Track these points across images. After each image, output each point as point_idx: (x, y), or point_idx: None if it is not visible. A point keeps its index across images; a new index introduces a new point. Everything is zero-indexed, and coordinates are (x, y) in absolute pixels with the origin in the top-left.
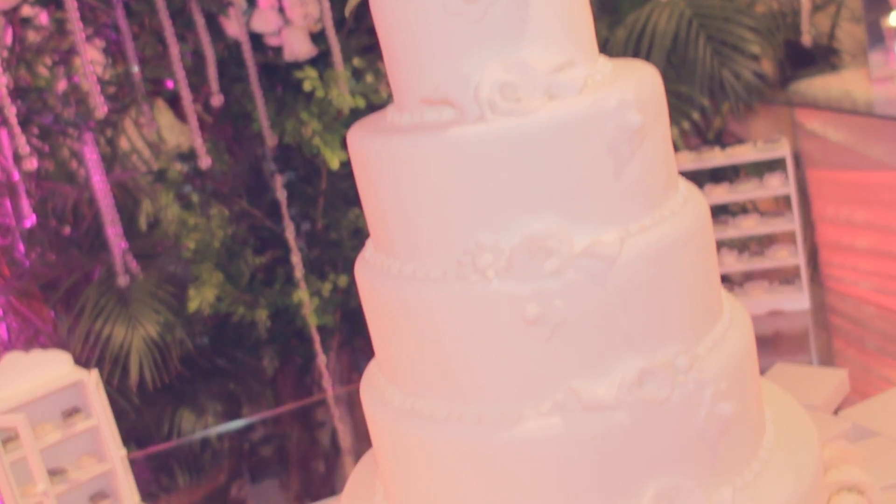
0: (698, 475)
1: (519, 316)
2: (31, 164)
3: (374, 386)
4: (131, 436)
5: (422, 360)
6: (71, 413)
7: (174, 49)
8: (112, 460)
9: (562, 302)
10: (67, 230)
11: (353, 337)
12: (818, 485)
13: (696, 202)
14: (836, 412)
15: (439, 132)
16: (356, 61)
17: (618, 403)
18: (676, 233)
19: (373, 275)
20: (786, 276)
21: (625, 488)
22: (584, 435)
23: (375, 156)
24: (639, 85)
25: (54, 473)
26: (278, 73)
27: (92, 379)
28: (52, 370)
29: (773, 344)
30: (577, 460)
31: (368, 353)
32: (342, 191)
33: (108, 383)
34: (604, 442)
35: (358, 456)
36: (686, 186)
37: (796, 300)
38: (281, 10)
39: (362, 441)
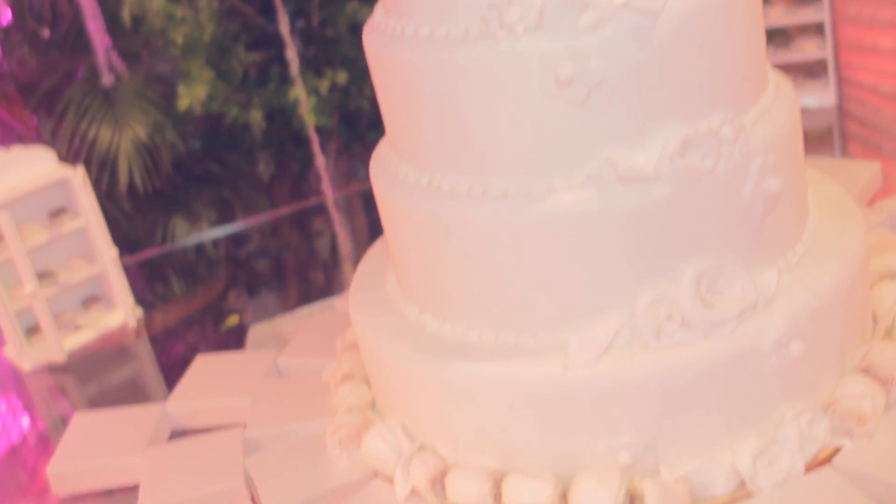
0: (741, 255)
1: (551, 77)
2: None
3: (387, 164)
4: (123, 244)
5: (440, 130)
6: (57, 213)
7: None
8: (103, 261)
9: (599, 61)
10: (46, 32)
11: (351, 142)
12: (864, 269)
13: None
14: (869, 205)
15: None
16: None
17: (658, 174)
18: None
19: (384, 39)
20: (811, 71)
21: (663, 267)
22: (620, 209)
23: None
24: None
25: (43, 276)
26: None
27: (78, 176)
28: (35, 167)
29: None
30: (613, 237)
31: (368, 159)
32: None
33: (96, 188)
34: (642, 217)
35: (357, 263)
36: None
37: (822, 96)
38: None
39: (361, 248)
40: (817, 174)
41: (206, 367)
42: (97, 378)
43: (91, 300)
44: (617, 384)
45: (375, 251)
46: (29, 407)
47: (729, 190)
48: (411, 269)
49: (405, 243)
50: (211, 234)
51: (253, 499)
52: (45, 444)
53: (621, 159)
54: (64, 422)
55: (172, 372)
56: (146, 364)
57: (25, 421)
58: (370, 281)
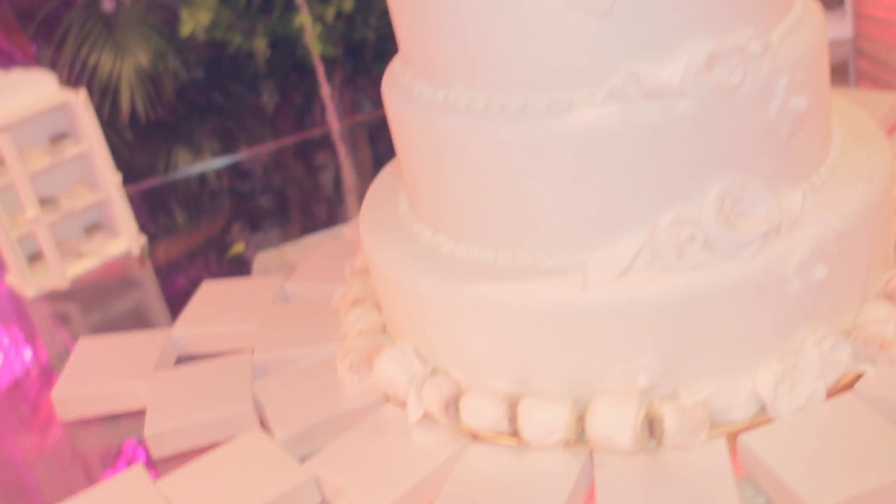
0: (766, 176)
1: None
2: None
3: (400, 81)
4: (125, 174)
5: (455, 42)
6: (59, 138)
7: None
8: (106, 188)
9: None
10: None
11: (356, 73)
12: (890, 193)
13: None
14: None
15: None
16: None
17: (683, 90)
18: None
19: None
20: (826, 2)
21: (686, 186)
22: (643, 125)
23: None
24: None
25: (45, 202)
26: None
27: (80, 100)
28: (36, 91)
29: None
30: (635, 154)
31: (373, 92)
32: None
33: (97, 117)
34: (665, 133)
35: (362, 196)
36: None
37: (838, 27)
38: None
39: (366, 180)
40: (840, 99)
41: (212, 293)
42: (100, 306)
43: (94, 227)
44: (636, 306)
45: (387, 173)
46: (32, 336)
47: (755, 107)
48: (425, 189)
49: (419, 163)
50: (213, 164)
51: (262, 423)
52: (49, 373)
53: (645, 73)
54: (67, 350)
55: (176, 302)
56: (150, 293)
57: (28, 353)
58: (382, 203)
